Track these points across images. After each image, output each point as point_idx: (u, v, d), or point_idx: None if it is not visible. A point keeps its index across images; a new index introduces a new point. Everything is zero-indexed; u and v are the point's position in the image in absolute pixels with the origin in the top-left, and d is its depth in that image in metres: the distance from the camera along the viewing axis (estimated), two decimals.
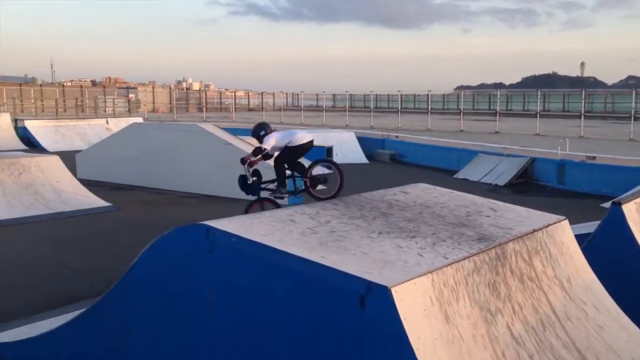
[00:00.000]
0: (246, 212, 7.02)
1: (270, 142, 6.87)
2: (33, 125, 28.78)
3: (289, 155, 6.78)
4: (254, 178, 7.14)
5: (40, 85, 55.72)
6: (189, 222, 4.52)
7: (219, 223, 4.24)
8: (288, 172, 6.88)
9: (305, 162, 6.97)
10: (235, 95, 61.29)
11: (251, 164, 7.08)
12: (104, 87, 66.71)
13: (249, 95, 65.82)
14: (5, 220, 11.88)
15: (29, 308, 7.19)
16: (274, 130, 7.11)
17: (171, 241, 4.43)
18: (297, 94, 54.10)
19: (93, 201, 13.98)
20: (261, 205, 7.04)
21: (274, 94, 61.56)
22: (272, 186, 7.03)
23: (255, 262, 4.01)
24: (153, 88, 56.28)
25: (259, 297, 3.99)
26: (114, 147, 18.14)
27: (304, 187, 6.76)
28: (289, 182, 6.88)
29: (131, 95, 49.59)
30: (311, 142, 6.91)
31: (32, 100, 41.72)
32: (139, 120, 29.72)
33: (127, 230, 11.90)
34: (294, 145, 6.80)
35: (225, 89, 79.99)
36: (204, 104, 49.24)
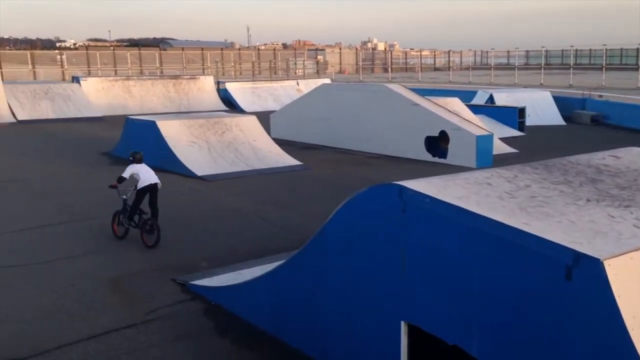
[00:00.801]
0: (113, 219, 8.78)
1: (129, 171, 8.64)
2: (233, 88, 31.01)
3: (138, 195, 8.54)
4: (124, 197, 8.61)
5: (239, 49, 59.87)
6: (375, 181, 4.52)
7: (412, 183, 4.17)
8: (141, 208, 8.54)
9: None
10: (420, 54, 60.33)
11: (114, 187, 8.63)
12: (295, 49, 69.69)
13: (434, 55, 64.34)
14: (211, 176, 13.02)
15: (233, 254, 7.84)
16: (140, 161, 8.76)
17: (365, 199, 4.47)
18: (487, 52, 51.63)
19: (286, 160, 14.76)
20: (118, 217, 8.72)
21: (461, 52, 59.49)
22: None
23: (449, 225, 3.89)
24: (340, 49, 57.58)
25: (452, 259, 3.87)
26: (304, 107, 18.89)
27: (140, 225, 8.44)
28: (137, 217, 8.53)
29: (319, 57, 51.13)
30: (154, 185, 8.61)
31: (232, 64, 44.99)
32: (327, 81, 30.60)
33: (318, 187, 12.41)
34: (139, 188, 8.53)
35: (410, 49, 79.04)
36: (389, 64, 49.19)
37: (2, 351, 5.24)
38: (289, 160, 14.71)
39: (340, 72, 51.36)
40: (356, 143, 16.79)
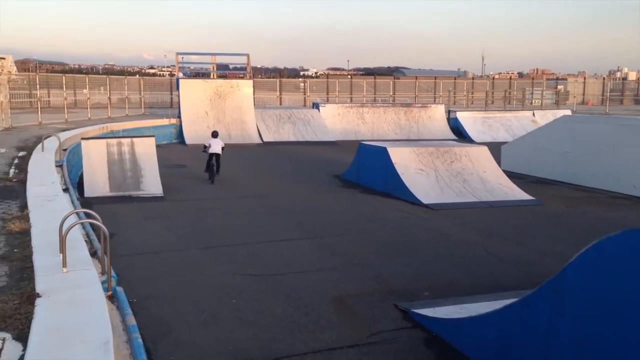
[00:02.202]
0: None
1: (207, 142, 15.74)
2: (463, 117, 30.63)
3: (209, 157, 15.54)
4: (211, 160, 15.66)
5: (472, 78, 59.09)
6: (620, 225, 4.02)
7: None
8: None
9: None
10: None
11: (204, 151, 15.85)
12: (532, 78, 66.63)
13: None
14: (437, 204, 12.92)
15: (456, 286, 7.65)
16: (216, 137, 15.86)
17: (617, 244, 3.99)
18: None
19: (516, 193, 14.05)
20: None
21: None
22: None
23: None
24: (584, 79, 53.48)
25: None
26: (539, 140, 17.87)
27: (209, 171, 15.51)
28: (210, 168, 15.50)
29: (560, 87, 48.11)
30: (218, 153, 15.49)
31: (464, 93, 44.56)
32: (567, 112, 28.64)
33: (549, 225, 11.59)
34: (209, 152, 15.54)
35: None
36: None
37: (241, 352, 5.73)
38: (520, 194, 13.98)
39: (583, 103, 47.72)
40: (598, 181, 15.36)
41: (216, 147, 15.55)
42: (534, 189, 14.78)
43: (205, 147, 15.77)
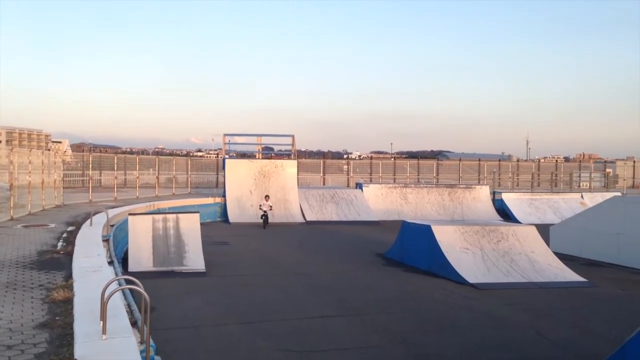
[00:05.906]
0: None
1: (262, 203, 24.66)
2: (509, 198, 30.15)
3: (263, 212, 24.33)
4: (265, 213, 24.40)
5: (517, 161, 58.64)
6: None
7: None
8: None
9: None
10: None
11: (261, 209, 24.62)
12: (580, 162, 65.72)
13: None
14: (483, 284, 12.50)
15: None
16: (268, 200, 24.53)
17: None
18: None
19: (567, 275, 13.53)
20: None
21: None
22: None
23: None
24: (634, 162, 52.34)
25: None
26: (590, 221, 17.35)
27: (263, 221, 24.24)
28: (264, 219, 24.20)
29: (608, 170, 47.17)
30: (265, 212, 24.17)
31: (509, 175, 44.08)
32: (617, 194, 27.88)
33: (604, 308, 11.04)
34: (261, 209, 24.43)
35: None
36: None
37: None
38: (571, 276, 13.44)
39: (633, 186, 46.55)
40: None
41: (265, 207, 24.14)
42: (586, 271, 14.21)
43: (260, 206, 24.54)
